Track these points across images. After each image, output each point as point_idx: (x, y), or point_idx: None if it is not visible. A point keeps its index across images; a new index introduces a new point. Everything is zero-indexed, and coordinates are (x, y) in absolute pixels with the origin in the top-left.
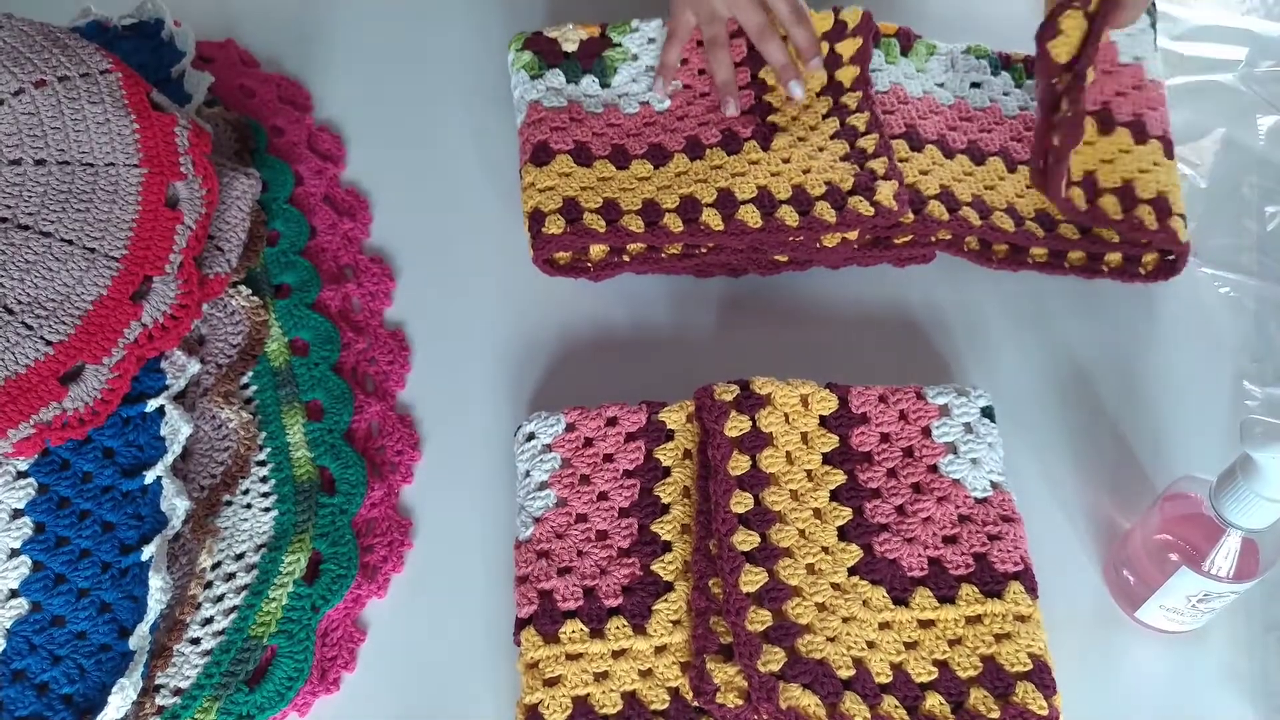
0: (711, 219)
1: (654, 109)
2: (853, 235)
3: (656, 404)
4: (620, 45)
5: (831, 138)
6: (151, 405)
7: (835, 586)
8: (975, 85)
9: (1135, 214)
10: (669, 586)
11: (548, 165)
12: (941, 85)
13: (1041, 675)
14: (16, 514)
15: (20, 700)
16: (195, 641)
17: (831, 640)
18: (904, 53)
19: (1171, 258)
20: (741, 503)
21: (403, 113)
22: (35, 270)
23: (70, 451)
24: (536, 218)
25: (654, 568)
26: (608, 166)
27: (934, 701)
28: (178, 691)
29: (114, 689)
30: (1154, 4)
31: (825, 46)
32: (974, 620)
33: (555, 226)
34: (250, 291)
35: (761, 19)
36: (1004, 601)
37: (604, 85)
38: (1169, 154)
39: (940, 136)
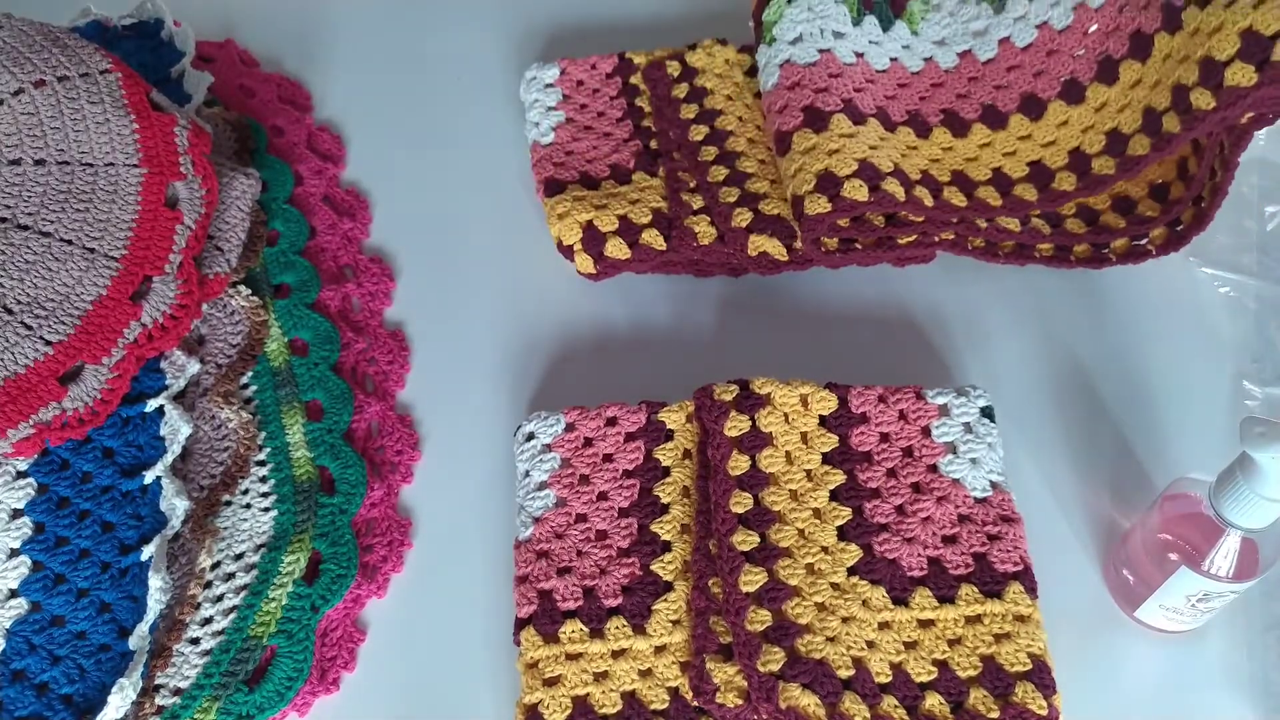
0: (1025, 193)
1: (940, 67)
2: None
3: (656, 404)
4: None
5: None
6: (151, 405)
7: (835, 586)
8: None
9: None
10: (669, 586)
11: (863, 125)
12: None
13: (1041, 675)
14: (16, 514)
15: (20, 700)
16: (195, 641)
17: (831, 640)
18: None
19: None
20: (741, 503)
21: (403, 113)
22: (35, 270)
23: (70, 451)
24: (866, 172)
25: (654, 568)
26: (909, 134)
27: (934, 701)
28: (177, 691)
29: (114, 689)
30: None
31: None
32: (974, 620)
33: (894, 188)
34: (250, 291)
35: None
36: (1004, 601)
37: (913, 32)
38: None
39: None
